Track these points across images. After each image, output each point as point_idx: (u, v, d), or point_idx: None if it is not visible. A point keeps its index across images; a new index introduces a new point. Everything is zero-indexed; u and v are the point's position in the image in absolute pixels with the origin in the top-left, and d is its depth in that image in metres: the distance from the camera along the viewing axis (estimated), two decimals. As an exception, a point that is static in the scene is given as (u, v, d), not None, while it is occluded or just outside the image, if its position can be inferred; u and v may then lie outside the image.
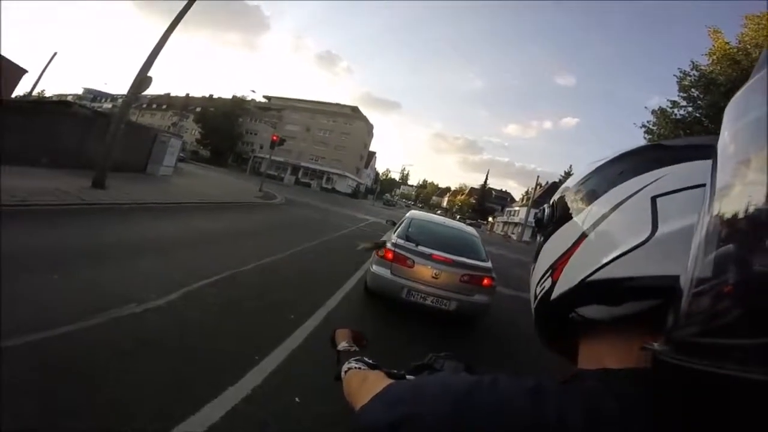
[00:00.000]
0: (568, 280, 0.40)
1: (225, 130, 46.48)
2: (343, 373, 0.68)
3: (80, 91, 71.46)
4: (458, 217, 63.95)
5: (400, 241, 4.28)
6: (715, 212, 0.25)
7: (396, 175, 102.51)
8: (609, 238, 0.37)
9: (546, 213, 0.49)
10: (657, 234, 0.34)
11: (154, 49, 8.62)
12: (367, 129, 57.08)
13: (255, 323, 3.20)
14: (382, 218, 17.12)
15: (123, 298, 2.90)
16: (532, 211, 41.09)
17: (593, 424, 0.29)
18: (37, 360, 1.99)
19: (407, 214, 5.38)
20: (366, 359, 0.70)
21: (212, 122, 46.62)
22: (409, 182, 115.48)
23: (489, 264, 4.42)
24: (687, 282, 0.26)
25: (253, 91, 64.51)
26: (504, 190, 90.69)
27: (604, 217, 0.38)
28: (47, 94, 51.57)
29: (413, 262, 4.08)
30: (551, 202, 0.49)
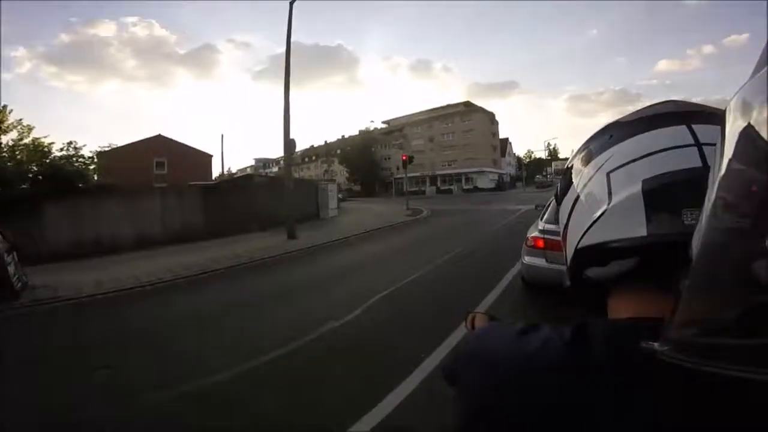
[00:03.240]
0: (569, 247, 0.44)
1: (364, 163, 51.60)
2: None
3: (252, 162, 79.52)
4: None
5: (549, 227, 4.05)
6: (715, 211, 0.25)
7: (541, 154, 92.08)
8: (583, 212, 0.42)
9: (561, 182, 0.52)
10: (611, 204, 0.38)
11: (285, 113, 10.46)
12: (489, 118, 54.24)
13: (423, 325, 3.66)
14: (534, 204, 15.77)
15: (326, 317, 3.84)
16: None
17: (574, 352, 0.33)
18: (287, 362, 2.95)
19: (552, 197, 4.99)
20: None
21: (352, 160, 52.38)
22: (560, 156, 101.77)
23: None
24: (689, 279, 0.26)
25: (372, 121, 69.57)
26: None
27: (578, 196, 0.43)
28: (233, 170, 63.58)
29: (569, 245, 3.78)
30: (563, 170, 0.51)
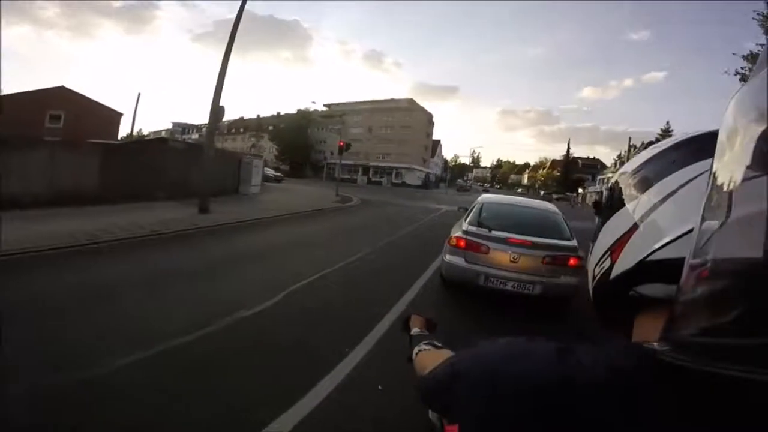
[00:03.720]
0: (627, 260, 0.42)
1: (297, 143, 49.56)
2: (414, 355, 0.74)
3: (170, 126, 75.69)
4: (542, 193, 59.28)
5: (472, 228, 4.23)
6: (714, 207, 0.25)
7: (466, 160, 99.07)
8: (666, 221, 0.39)
9: (605, 196, 0.51)
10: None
11: (219, 79, 9.59)
12: (427, 119, 56.51)
13: (345, 317, 3.53)
14: (455, 206, 16.78)
15: (236, 306, 3.42)
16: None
17: (607, 378, 0.30)
18: (179, 362, 2.52)
19: (478, 199, 5.26)
20: (435, 342, 0.75)
21: (285, 138, 50.00)
22: (482, 164, 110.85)
23: (574, 242, 4.12)
24: (687, 280, 0.27)
25: (314, 102, 68.07)
26: (593, 157, 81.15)
27: (661, 202, 0.40)
28: (144, 132, 57.78)
29: (488, 248, 4.00)
30: (610, 185, 0.51)
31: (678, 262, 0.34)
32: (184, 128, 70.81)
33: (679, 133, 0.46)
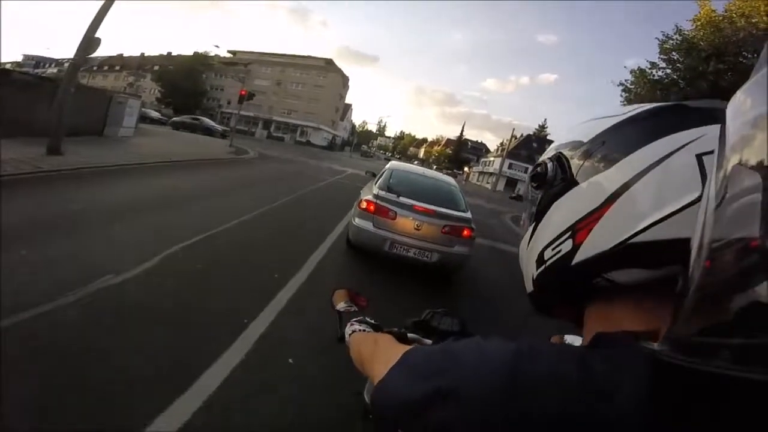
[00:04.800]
0: (599, 242, 0.37)
1: (187, 87, 43.58)
2: (347, 336, 0.67)
3: (20, 59, 68.35)
4: (435, 167, 64.37)
5: (382, 193, 4.25)
6: (720, 200, 0.24)
7: (373, 127, 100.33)
8: (651, 197, 0.34)
9: (550, 168, 0.44)
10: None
11: (101, 8, 7.68)
12: (342, 82, 55.49)
13: (240, 286, 3.20)
14: (360, 170, 16.95)
15: (99, 270, 2.79)
16: (507, 162, 42.34)
17: (641, 389, 0.28)
18: (17, 343, 1.92)
19: (387, 165, 5.31)
20: (368, 319, 0.70)
21: (173, 80, 43.61)
22: (387, 134, 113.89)
23: (469, 215, 4.48)
24: (691, 277, 0.26)
25: (217, 47, 60.39)
26: (480, 141, 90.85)
27: (641, 175, 0.35)
28: None
29: (395, 213, 4.08)
30: (555, 157, 0.45)
31: (664, 245, 0.33)
32: (38, 62, 65.29)
33: (631, 107, 0.42)
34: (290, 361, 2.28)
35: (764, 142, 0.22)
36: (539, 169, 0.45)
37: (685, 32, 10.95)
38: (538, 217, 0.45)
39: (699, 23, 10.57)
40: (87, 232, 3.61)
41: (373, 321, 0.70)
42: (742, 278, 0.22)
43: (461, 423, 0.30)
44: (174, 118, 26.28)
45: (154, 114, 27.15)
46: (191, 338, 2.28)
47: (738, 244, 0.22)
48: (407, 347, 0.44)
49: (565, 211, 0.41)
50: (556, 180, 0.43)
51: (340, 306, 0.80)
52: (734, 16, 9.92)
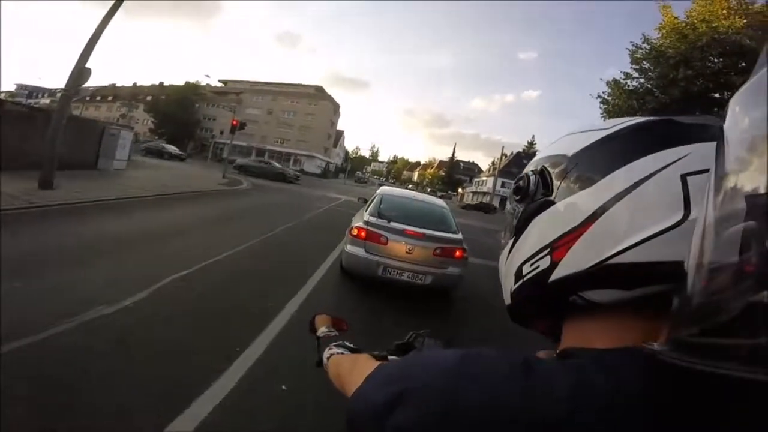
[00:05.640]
0: (577, 261, 0.36)
1: (180, 117, 44.17)
2: (325, 359, 0.68)
3: (12, 88, 68.54)
4: (429, 190, 65.15)
5: (372, 219, 4.33)
6: (720, 201, 0.24)
7: (366, 153, 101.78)
8: (631, 218, 0.34)
9: (532, 181, 0.44)
10: (691, 216, 0.32)
11: (91, 38, 7.88)
12: (333, 108, 56.29)
13: (234, 315, 3.21)
14: (354, 196, 16.99)
15: (91, 301, 2.78)
16: (500, 181, 43.07)
17: (581, 397, 0.29)
18: (11, 370, 1.91)
19: (378, 191, 5.42)
20: (347, 344, 0.70)
21: (165, 110, 44.13)
22: (380, 159, 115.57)
23: (460, 236, 4.57)
24: (690, 279, 0.26)
25: (208, 76, 61.74)
26: (472, 161, 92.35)
27: (622, 194, 0.35)
28: None
29: (387, 238, 4.15)
30: (538, 170, 0.44)
31: (642, 267, 0.33)
32: (31, 91, 65.69)
33: (611, 121, 0.42)
34: (284, 387, 2.28)
35: (762, 142, 0.22)
36: (521, 183, 0.45)
37: (653, 41, 11.08)
38: (518, 231, 0.44)
39: (664, 31, 10.75)
40: (78, 266, 3.61)
41: (351, 345, 0.70)
42: (741, 277, 0.22)
43: (413, 426, 0.31)
44: (239, 161, 23.63)
45: (172, 148, 26.33)
46: (183, 366, 2.28)
47: (737, 244, 0.22)
48: (382, 362, 0.44)
49: (544, 228, 0.40)
50: (538, 194, 0.43)
51: (321, 331, 0.80)
52: (696, 21, 10.12)
